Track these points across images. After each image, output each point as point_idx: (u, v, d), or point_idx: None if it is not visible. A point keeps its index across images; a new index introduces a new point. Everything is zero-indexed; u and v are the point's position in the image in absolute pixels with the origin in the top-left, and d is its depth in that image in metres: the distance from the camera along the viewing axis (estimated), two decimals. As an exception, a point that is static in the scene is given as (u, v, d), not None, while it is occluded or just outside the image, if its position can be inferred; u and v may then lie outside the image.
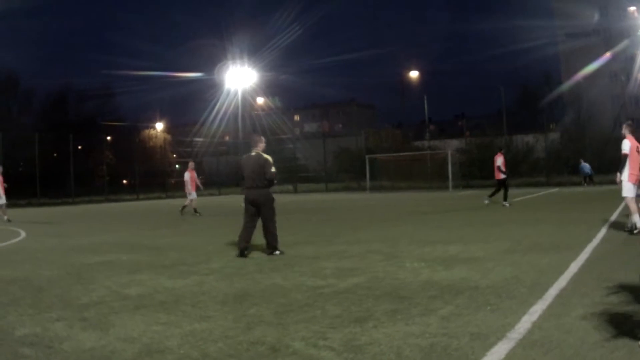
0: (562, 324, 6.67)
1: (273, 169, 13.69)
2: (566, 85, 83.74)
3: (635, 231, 14.81)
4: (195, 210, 29.23)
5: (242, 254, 13.66)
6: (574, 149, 57.74)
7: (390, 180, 62.21)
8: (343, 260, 12.41)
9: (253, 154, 13.95)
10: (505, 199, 27.14)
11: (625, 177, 15.31)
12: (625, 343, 5.92)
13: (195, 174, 30.24)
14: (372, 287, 9.37)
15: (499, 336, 6.31)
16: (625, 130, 15.56)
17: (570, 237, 14.69)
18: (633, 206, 15.11)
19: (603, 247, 12.76)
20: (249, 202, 13.96)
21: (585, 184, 49.35)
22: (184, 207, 29.62)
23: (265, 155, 13.72)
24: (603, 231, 15.67)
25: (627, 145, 15.30)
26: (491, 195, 28.16)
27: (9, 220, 27.61)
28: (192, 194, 29.67)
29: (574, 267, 10.46)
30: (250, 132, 17.64)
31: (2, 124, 68.11)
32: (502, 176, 27.44)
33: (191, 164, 30.74)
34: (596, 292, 8.22)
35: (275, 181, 14.10)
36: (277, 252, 13.65)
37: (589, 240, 13.81)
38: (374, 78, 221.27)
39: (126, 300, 9.11)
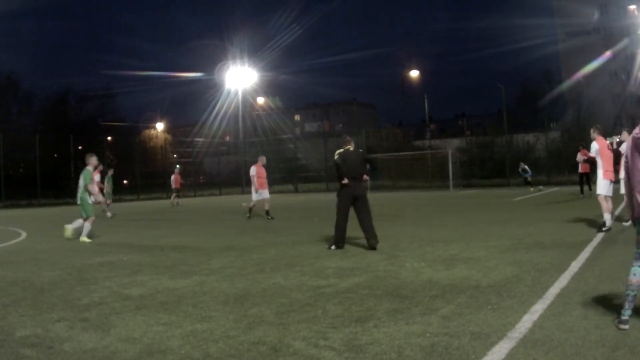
0: (563, 323, 6.69)
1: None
2: (566, 84, 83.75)
3: (603, 229, 14.99)
4: (267, 213, 25.64)
5: (339, 247, 14.11)
6: (575, 147, 57.76)
7: (391, 179, 62.22)
8: (344, 259, 12.42)
9: (351, 149, 14.22)
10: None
11: (600, 175, 16.04)
12: (626, 341, 5.94)
13: (264, 171, 25.93)
14: (373, 286, 9.39)
15: (500, 335, 6.33)
16: (594, 134, 16.41)
17: (571, 236, 14.70)
18: (604, 205, 15.68)
19: (604, 245, 12.78)
20: (351, 195, 14.10)
21: (533, 189, 45.82)
22: (250, 209, 26.25)
23: (361, 150, 13.96)
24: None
25: (594, 148, 16.32)
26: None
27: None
28: (262, 193, 25.59)
29: (575, 265, 10.49)
30: (343, 135, 16.09)
31: (2, 125, 68.13)
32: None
33: (262, 159, 26.41)
34: (597, 291, 8.24)
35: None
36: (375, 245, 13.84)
37: (590, 239, 13.85)
38: (374, 77, 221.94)
39: (127, 301, 9.12)
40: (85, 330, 7.41)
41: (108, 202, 32.06)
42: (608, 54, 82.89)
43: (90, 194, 18.50)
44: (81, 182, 18.47)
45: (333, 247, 14.08)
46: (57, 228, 23.49)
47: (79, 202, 18.87)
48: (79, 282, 10.99)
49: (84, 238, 18.43)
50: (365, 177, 14.28)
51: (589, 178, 29.76)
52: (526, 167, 45.73)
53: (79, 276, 11.69)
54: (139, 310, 8.47)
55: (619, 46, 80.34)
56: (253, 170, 25.34)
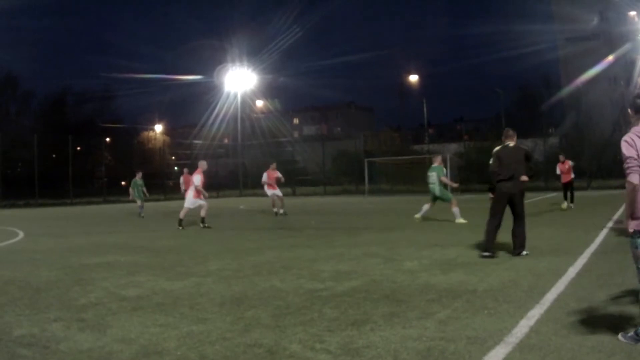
0: (559, 328, 6.71)
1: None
2: (565, 89, 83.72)
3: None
4: (277, 213, 28.42)
5: (491, 253, 12.69)
6: (573, 153, 57.75)
7: (389, 183, 62.26)
8: (341, 263, 12.42)
9: (511, 145, 13.25)
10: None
11: None
12: (622, 347, 5.95)
13: (278, 174, 29.24)
14: (369, 290, 9.40)
15: (497, 340, 6.35)
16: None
17: (568, 241, 14.74)
18: None
19: (601, 251, 12.80)
20: (506, 194, 12.97)
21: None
22: (276, 210, 28.66)
23: (524, 147, 13.39)
24: (601, 236, 15.72)
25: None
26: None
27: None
28: (273, 192, 28.89)
29: (572, 271, 10.52)
30: (506, 128, 16.48)
31: (0, 125, 68.18)
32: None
33: (273, 166, 29.56)
34: (594, 296, 8.27)
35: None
36: (525, 253, 12.71)
37: (587, 245, 13.88)
38: (372, 81, 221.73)
39: (124, 302, 9.13)
40: (81, 330, 7.41)
41: (140, 204, 32.46)
42: (608, 59, 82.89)
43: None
44: (434, 178, 21.96)
45: (486, 253, 12.66)
46: (54, 228, 23.51)
47: (437, 193, 22.09)
48: (75, 283, 10.99)
49: (459, 220, 21.45)
50: (524, 177, 13.02)
51: (572, 188, 28.63)
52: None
53: (76, 276, 11.68)
54: (135, 311, 8.47)
55: (619, 52, 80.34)
56: (265, 177, 28.87)
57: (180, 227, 22.54)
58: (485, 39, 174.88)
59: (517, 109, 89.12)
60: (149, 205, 38.11)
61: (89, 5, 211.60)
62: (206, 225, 22.83)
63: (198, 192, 22.86)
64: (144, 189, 33.05)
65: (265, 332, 7.11)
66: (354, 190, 65.08)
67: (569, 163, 28.84)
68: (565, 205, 27.82)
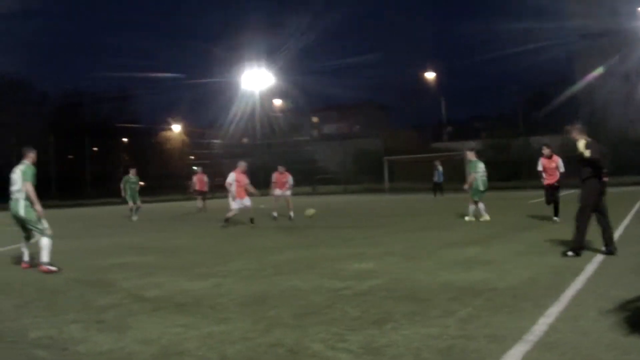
0: (577, 326, 6.77)
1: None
2: (579, 86, 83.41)
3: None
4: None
5: (579, 253, 12.11)
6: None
7: (409, 181, 62.18)
8: (362, 262, 12.40)
9: (590, 140, 12.60)
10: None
11: None
12: (638, 345, 6.03)
13: (278, 176, 27.77)
14: (391, 289, 9.42)
15: (516, 338, 6.38)
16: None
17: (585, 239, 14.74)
18: None
19: (619, 249, 12.67)
20: (599, 192, 12.42)
21: (435, 194, 45.56)
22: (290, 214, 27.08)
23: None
24: (618, 233, 15.61)
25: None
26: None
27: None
28: (279, 192, 27.66)
29: (589, 269, 10.57)
30: (575, 123, 14.98)
31: (16, 126, 68.40)
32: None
33: (281, 168, 28.09)
34: (611, 293, 8.31)
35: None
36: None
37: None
38: (391, 79, 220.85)
39: (144, 303, 9.16)
40: (100, 331, 7.43)
41: (131, 205, 30.51)
42: (621, 56, 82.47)
43: None
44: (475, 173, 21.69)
45: (570, 253, 12.14)
46: (72, 229, 23.56)
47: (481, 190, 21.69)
48: (94, 284, 11.05)
49: (485, 217, 21.43)
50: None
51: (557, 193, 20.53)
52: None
53: (95, 278, 11.75)
54: (155, 311, 8.50)
55: (632, 49, 79.88)
56: (274, 177, 27.39)
57: (224, 225, 22.91)
58: (501, 36, 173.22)
59: (532, 106, 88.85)
60: (167, 205, 38.06)
61: (106, 5, 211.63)
62: (224, 225, 22.88)
63: (241, 192, 23.03)
64: (137, 189, 30.97)
65: (287, 331, 7.10)
66: (374, 188, 65.04)
67: (558, 160, 20.51)
68: (556, 219, 19.90)
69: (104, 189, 66.16)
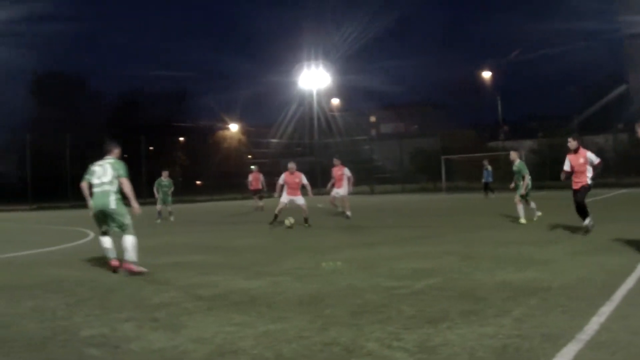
0: (629, 325, 6.79)
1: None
2: (632, 84, 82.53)
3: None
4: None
5: None
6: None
7: (466, 181, 61.99)
8: (418, 261, 12.40)
9: None
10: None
11: None
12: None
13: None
14: (447, 287, 9.45)
15: (569, 337, 6.38)
16: None
17: (639, 238, 14.67)
18: None
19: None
20: None
21: (485, 194, 44.52)
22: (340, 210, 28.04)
23: None
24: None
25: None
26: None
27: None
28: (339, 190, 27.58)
29: (641, 268, 10.55)
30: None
31: (69, 125, 69.14)
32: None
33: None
34: (663, 293, 8.26)
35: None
36: None
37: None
38: (448, 78, 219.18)
39: (199, 301, 9.20)
40: (154, 330, 7.47)
41: (160, 207, 29.44)
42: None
43: None
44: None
45: None
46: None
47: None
48: (149, 282, 11.08)
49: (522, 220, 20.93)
50: None
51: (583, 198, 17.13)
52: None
53: (150, 276, 11.78)
54: (210, 310, 8.53)
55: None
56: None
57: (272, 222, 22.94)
58: (555, 36, 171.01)
59: (588, 104, 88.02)
60: (224, 204, 38.19)
61: (165, 4, 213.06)
62: (272, 222, 23.01)
63: (292, 192, 23.22)
64: (170, 192, 29.73)
65: (343, 330, 7.11)
66: (431, 188, 65.00)
67: (586, 154, 16.93)
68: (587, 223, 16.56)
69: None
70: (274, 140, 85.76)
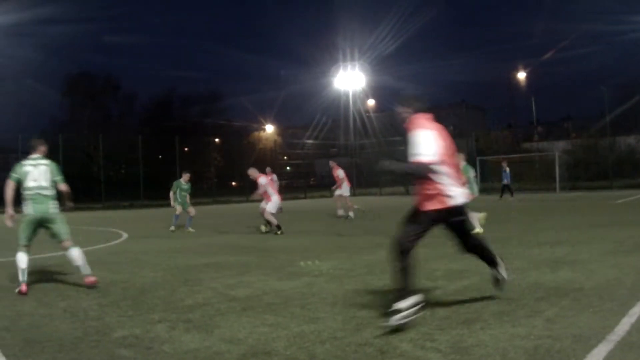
0: (658, 326, 6.80)
1: None
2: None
3: None
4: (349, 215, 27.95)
5: None
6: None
7: (501, 181, 61.93)
8: (453, 262, 12.42)
9: None
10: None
11: None
12: None
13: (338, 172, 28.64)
14: (481, 288, 9.52)
15: (600, 338, 6.45)
16: None
17: None
18: None
19: None
20: None
21: (502, 196, 43.60)
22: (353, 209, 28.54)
23: None
24: None
25: None
26: None
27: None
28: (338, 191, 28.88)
29: (673, 268, 10.48)
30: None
31: (103, 127, 69.69)
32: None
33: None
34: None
35: None
36: None
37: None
38: (482, 78, 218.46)
39: (233, 302, 9.28)
40: (187, 331, 7.58)
41: (179, 211, 26.10)
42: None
43: None
44: None
45: None
46: (159, 229, 23.86)
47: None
48: (182, 283, 11.17)
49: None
50: None
51: None
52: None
53: (183, 277, 11.87)
54: (244, 311, 8.60)
55: None
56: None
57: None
58: (590, 35, 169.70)
59: (620, 105, 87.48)
60: (259, 205, 38.16)
61: (201, 6, 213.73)
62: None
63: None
64: (188, 196, 26.33)
65: (377, 331, 7.19)
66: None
67: None
68: None
69: (195, 189, 66.94)
70: (309, 141, 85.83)
